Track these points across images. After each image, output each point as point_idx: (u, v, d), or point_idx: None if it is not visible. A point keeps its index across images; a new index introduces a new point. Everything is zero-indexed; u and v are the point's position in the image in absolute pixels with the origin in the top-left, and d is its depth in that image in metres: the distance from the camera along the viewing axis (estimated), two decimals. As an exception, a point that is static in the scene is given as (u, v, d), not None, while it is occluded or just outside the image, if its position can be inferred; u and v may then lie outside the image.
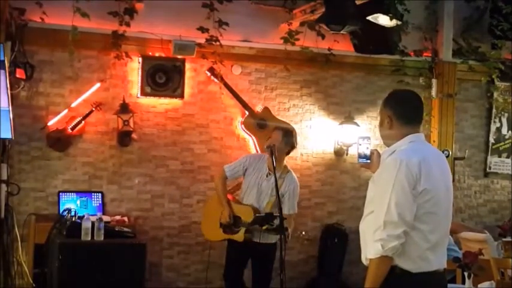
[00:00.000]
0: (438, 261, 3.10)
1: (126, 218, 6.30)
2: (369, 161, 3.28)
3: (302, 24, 6.75)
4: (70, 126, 6.27)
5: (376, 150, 3.28)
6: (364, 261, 3.11)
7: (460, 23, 7.64)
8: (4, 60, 5.52)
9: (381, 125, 3.23)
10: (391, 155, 3.10)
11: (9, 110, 5.49)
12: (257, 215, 5.33)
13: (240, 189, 5.70)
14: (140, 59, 6.52)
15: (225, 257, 5.67)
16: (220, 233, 5.52)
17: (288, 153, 5.63)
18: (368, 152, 3.28)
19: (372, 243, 2.96)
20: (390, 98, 3.25)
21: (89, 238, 4.98)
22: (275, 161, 5.18)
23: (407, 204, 2.94)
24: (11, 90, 5.65)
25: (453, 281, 4.92)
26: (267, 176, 5.48)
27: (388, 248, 2.90)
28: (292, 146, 5.58)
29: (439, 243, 3.10)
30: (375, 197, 3.08)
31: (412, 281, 3.01)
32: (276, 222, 5.06)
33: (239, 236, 5.42)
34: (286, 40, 6.69)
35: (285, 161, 5.63)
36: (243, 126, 6.85)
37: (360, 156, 3.31)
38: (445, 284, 3.28)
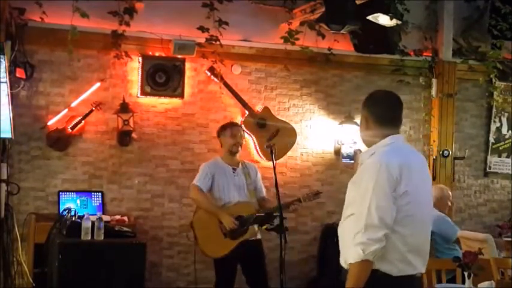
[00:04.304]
0: (420, 265, 3.07)
1: (126, 218, 6.31)
2: (352, 161, 3.29)
3: (302, 23, 6.75)
4: (70, 126, 6.27)
5: (359, 149, 3.29)
6: (344, 265, 3.09)
7: (460, 22, 7.64)
8: (4, 60, 5.52)
9: (360, 125, 3.26)
10: (371, 156, 3.09)
11: (9, 110, 5.49)
12: (257, 214, 5.33)
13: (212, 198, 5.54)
14: (140, 59, 6.52)
15: (216, 273, 5.51)
16: (230, 242, 5.35)
17: None
18: (351, 152, 3.29)
19: (353, 247, 2.93)
20: (368, 99, 3.27)
21: (89, 238, 4.97)
22: (275, 159, 5.20)
23: (388, 207, 2.92)
24: (11, 89, 5.65)
25: (453, 280, 4.92)
26: (233, 172, 5.55)
27: (369, 252, 2.88)
28: None
29: (419, 245, 3.07)
30: (355, 199, 3.05)
31: (393, 284, 2.98)
32: (276, 221, 5.08)
33: (252, 233, 5.38)
34: (286, 40, 6.69)
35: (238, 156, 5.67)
36: (243, 125, 6.83)
37: (343, 156, 3.33)
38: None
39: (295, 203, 5.40)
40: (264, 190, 5.74)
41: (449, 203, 6.26)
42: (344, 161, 3.09)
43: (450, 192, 6.34)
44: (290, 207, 5.39)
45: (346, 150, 3.15)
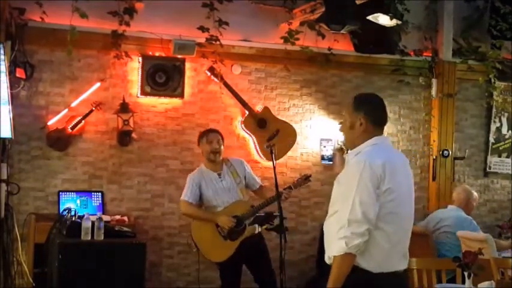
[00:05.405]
0: (399, 262, 3.16)
1: (126, 218, 6.31)
2: (331, 162, 3.34)
3: (302, 23, 6.75)
4: (70, 126, 6.27)
5: (338, 151, 3.36)
6: (328, 261, 3.16)
7: (460, 22, 7.64)
8: (4, 60, 5.52)
9: (352, 128, 3.26)
10: (356, 155, 3.17)
11: (9, 110, 5.49)
12: (257, 214, 5.34)
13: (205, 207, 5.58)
14: (140, 59, 6.52)
15: (221, 276, 5.55)
16: (231, 243, 5.39)
17: None
18: (330, 153, 3.35)
19: (336, 241, 3.02)
20: (363, 103, 3.29)
21: (89, 238, 4.97)
22: (275, 159, 5.20)
23: (371, 203, 3.01)
24: (11, 89, 5.65)
25: (453, 280, 4.92)
26: (219, 176, 5.55)
27: (352, 245, 2.98)
28: None
29: (401, 244, 3.16)
30: (340, 196, 3.14)
31: (373, 281, 3.06)
32: (276, 221, 5.08)
33: (250, 230, 5.40)
34: (286, 40, 6.69)
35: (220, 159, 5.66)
36: (243, 125, 6.85)
37: (322, 158, 3.37)
38: (406, 284, 3.34)
39: (286, 190, 5.42)
40: (258, 180, 5.76)
41: (475, 204, 6.58)
42: (323, 162, 3.15)
43: (476, 194, 6.57)
44: (282, 196, 5.35)
45: (326, 152, 3.19)
